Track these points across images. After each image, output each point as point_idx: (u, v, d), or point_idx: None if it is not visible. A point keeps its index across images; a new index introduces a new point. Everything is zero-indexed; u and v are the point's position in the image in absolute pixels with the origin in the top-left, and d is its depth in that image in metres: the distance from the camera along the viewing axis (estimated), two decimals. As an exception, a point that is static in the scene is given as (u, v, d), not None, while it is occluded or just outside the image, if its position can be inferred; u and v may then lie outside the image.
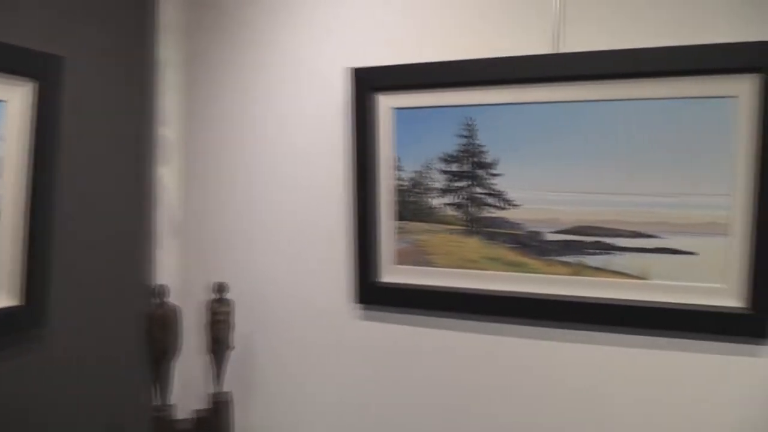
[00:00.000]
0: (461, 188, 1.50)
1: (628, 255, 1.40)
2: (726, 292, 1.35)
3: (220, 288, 1.60)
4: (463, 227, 1.51)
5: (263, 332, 1.74)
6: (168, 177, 1.82)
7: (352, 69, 1.55)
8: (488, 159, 1.47)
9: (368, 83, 1.53)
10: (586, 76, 1.39)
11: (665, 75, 1.34)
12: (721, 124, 1.31)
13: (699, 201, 1.35)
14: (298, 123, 1.68)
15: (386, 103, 1.53)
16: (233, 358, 1.68)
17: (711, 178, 1.33)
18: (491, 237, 1.49)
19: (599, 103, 1.39)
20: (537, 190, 1.45)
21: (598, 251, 1.42)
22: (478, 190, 1.49)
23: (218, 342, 1.58)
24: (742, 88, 1.30)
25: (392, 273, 1.56)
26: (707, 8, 1.35)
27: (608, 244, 1.42)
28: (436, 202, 1.52)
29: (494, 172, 1.47)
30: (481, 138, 1.47)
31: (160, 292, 1.54)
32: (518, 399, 1.53)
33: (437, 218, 1.52)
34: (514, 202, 1.46)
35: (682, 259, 1.37)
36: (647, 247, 1.39)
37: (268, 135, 1.71)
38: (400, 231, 1.55)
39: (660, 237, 1.38)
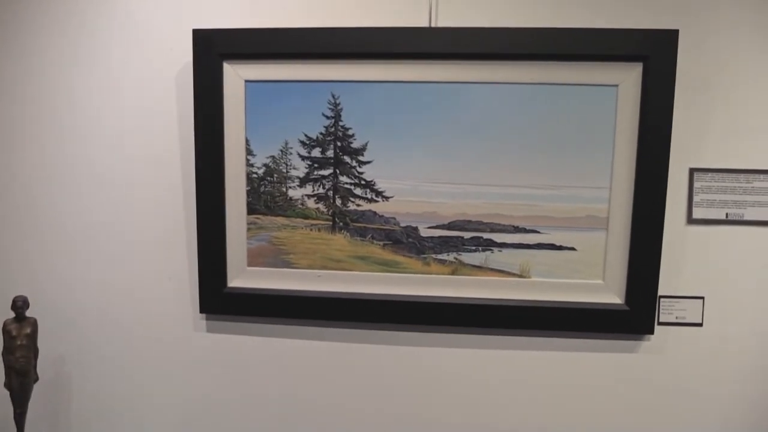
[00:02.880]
0: (325, 177, 1.28)
1: (507, 251, 1.28)
2: (605, 289, 1.27)
3: (19, 303, 1.23)
4: (328, 222, 1.29)
5: (79, 356, 1.39)
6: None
7: (193, 31, 1.25)
8: (355, 144, 1.27)
9: (213, 48, 1.27)
10: (463, 55, 1.24)
11: (546, 58, 1.23)
12: (602, 114, 1.22)
13: (579, 193, 1.26)
14: (122, 102, 1.34)
15: (236, 74, 1.27)
16: (38, 392, 1.29)
17: (592, 170, 1.25)
18: (360, 233, 1.29)
19: (478, 85, 1.25)
20: (411, 180, 1.27)
21: (476, 248, 1.28)
22: (345, 179, 1.28)
23: (18, 373, 1.22)
24: (623, 77, 1.22)
25: (243, 277, 1.30)
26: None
27: (488, 240, 1.28)
28: (296, 192, 1.29)
29: (362, 159, 1.27)
30: (348, 119, 1.27)
31: None
32: (391, 409, 1.39)
33: (297, 212, 1.29)
34: (386, 194, 1.27)
35: (562, 254, 1.27)
36: (527, 242, 1.28)
37: (81, 118, 1.36)
38: (253, 227, 1.29)
39: (540, 232, 1.27)
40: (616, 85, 1.25)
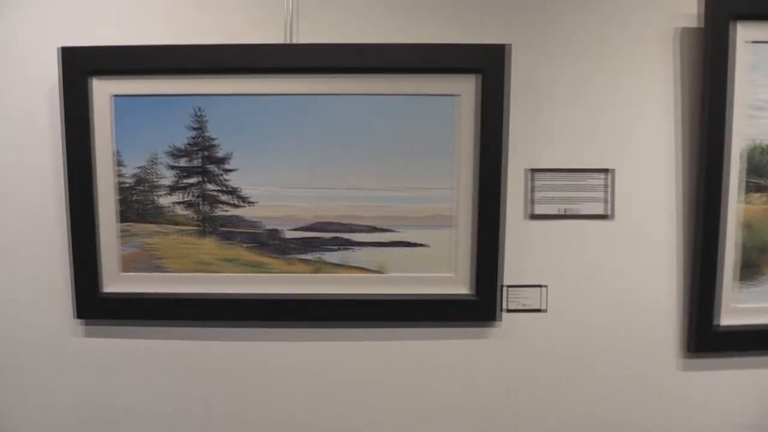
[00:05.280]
0: (192, 185, 1.39)
1: (365, 249, 1.40)
2: (455, 281, 1.41)
3: None
4: (196, 227, 1.40)
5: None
6: None
7: (59, 49, 1.35)
8: (220, 153, 1.38)
9: (81, 66, 1.35)
10: (319, 69, 1.36)
11: (396, 71, 1.37)
12: (446, 121, 1.37)
13: (428, 195, 1.39)
14: None
15: (103, 89, 1.36)
16: None
17: (438, 172, 1.38)
18: (227, 237, 1.40)
19: (334, 96, 1.37)
20: (274, 185, 1.39)
21: (336, 247, 1.40)
22: (211, 186, 1.39)
23: None
24: (463, 88, 1.36)
25: (117, 282, 1.40)
26: (437, 11, 1.43)
27: (346, 240, 1.41)
28: (165, 200, 1.39)
29: (227, 167, 1.39)
30: (212, 130, 1.38)
31: None
32: (264, 402, 1.51)
33: (167, 218, 1.39)
34: (250, 199, 1.39)
35: (415, 251, 1.40)
36: (383, 241, 1.40)
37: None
38: (125, 234, 1.39)
39: (394, 230, 1.40)
40: (457, 95, 1.39)
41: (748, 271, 1.46)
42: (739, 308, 1.46)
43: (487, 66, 1.37)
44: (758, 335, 1.47)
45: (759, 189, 1.44)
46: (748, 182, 1.44)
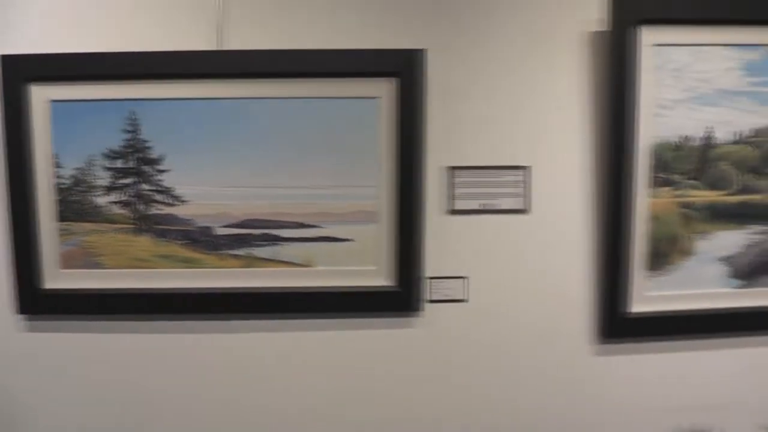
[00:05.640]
0: (127, 185, 1.47)
1: (293, 245, 1.49)
2: (379, 274, 1.50)
3: None
4: (132, 225, 1.48)
5: None
6: None
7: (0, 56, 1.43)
8: (154, 155, 1.47)
9: (20, 73, 1.44)
10: (248, 74, 1.45)
11: (320, 76, 1.45)
12: (368, 122, 1.47)
13: (353, 192, 1.48)
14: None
15: (41, 95, 1.45)
16: None
17: (361, 171, 1.47)
18: (162, 234, 1.49)
19: (262, 100, 1.46)
20: (206, 185, 1.47)
21: (265, 243, 1.49)
22: (145, 186, 1.47)
23: None
24: (383, 90, 1.45)
25: (57, 278, 1.49)
26: (358, 18, 1.51)
27: (275, 236, 1.49)
28: (102, 200, 1.47)
29: (161, 168, 1.47)
30: (146, 133, 1.46)
31: None
32: (203, 393, 1.59)
33: (104, 217, 1.48)
34: (183, 198, 1.47)
35: (341, 246, 1.49)
36: (310, 236, 1.49)
37: None
38: (64, 233, 1.48)
39: (321, 226, 1.49)
40: (378, 98, 1.48)
41: (657, 260, 1.56)
42: (649, 296, 1.56)
43: (404, 70, 1.46)
44: (667, 321, 1.57)
45: (665, 183, 1.54)
46: (655, 177, 1.53)
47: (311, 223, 1.50)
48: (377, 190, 1.48)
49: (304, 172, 1.47)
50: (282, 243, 1.50)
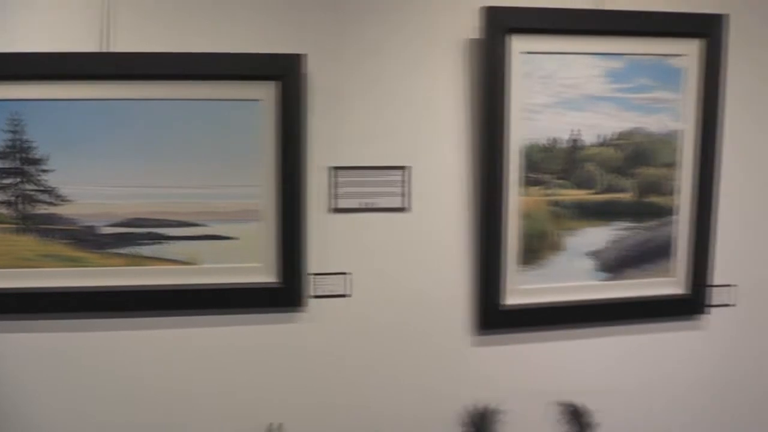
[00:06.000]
0: (10, 185, 1.49)
1: (178, 243, 1.53)
2: (263, 271, 1.56)
3: None
4: (16, 225, 1.50)
5: None
6: None
7: None
8: (38, 155, 1.49)
9: None
10: (133, 76, 1.49)
11: (203, 78, 1.50)
12: (250, 124, 1.54)
13: (236, 191, 1.53)
14: None
15: None
16: None
17: (245, 171, 1.53)
18: (46, 234, 1.51)
19: (147, 101, 1.50)
20: (90, 185, 1.50)
21: (150, 241, 1.53)
22: (29, 186, 1.49)
23: None
24: (265, 93, 1.50)
25: (-61, 278, 1.49)
26: (242, 23, 1.56)
27: (160, 234, 1.53)
28: (-16, 200, 1.48)
29: (45, 168, 1.49)
30: (30, 133, 1.48)
31: None
32: (88, 392, 1.61)
33: (-14, 217, 1.49)
34: (68, 198, 1.50)
35: (225, 243, 1.54)
36: (194, 234, 1.54)
37: None
38: (-54, 233, 1.48)
39: (205, 225, 1.54)
40: (260, 100, 1.53)
41: (529, 256, 1.66)
42: (522, 289, 1.66)
43: (286, 74, 1.52)
44: (539, 312, 1.67)
45: (536, 183, 1.64)
46: (526, 177, 1.63)
47: (196, 222, 1.54)
48: (261, 190, 1.54)
49: (189, 171, 1.52)
50: (167, 241, 1.54)
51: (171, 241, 1.54)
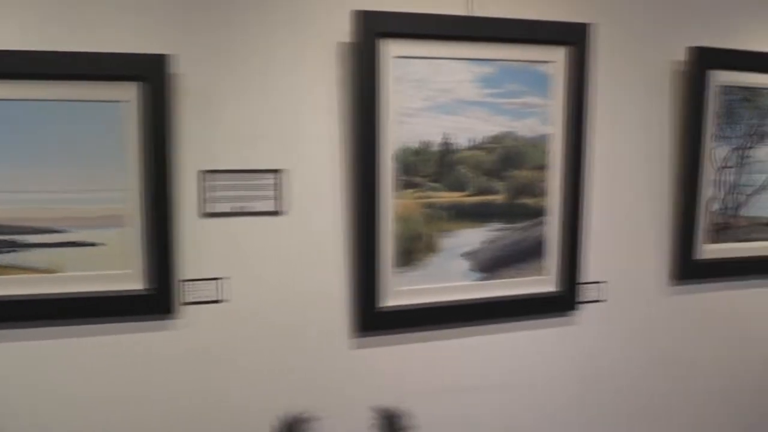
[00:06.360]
0: None
1: (36, 251, 1.46)
2: (131, 277, 1.50)
3: None
4: None
5: None
6: None
7: None
8: None
9: None
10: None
11: (62, 78, 1.43)
12: (114, 125, 1.49)
13: (100, 196, 1.47)
14: None
15: None
16: None
17: (109, 175, 1.47)
18: None
19: (3, 102, 1.40)
20: (-62, 190, 1.40)
21: (5, 249, 1.44)
22: None
23: None
24: (129, 94, 1.45)
25: None
26: (104, 21, 1.50)
27: (15, 242, 1.45)
28: None
29: None
30: None
31: None
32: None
33: None
34: None
35: (91, 250, 1.48)
36: (55, 241, 1.47)
37: None
38: None
39: (67, 231, 1.47)
40: (124, 101, 1.48)
41: (406, 258, 1.68)
42: (400, 291, 1.68)
43: (149, 74, 1.47)
44: (417, 313, 1.70)
45: (410, 186, 1.66)
46: (401, 180, 1.65)
47: (56, 228, 1.48)
48: (126, 194, 1.50)
49: (49, 176, 1.46)
50: (25, 249, 1.47)
51: (30, 249, 1.47)
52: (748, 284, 2.04)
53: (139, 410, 1.59)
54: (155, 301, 1.54)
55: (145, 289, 1.53)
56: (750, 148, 1.98)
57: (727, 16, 1.93)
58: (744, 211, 2.00)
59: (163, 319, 1.57)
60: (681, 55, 1.87)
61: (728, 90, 1.90)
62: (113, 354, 1.56)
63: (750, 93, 1.94)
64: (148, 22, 1.50)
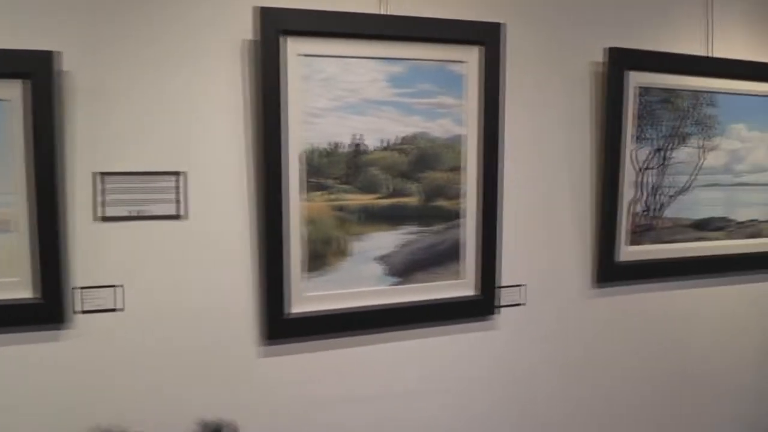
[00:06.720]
0: None
1: None
2: (19, 285, 1.41)
3: None
4: None
5: None
6: None
7: None
8: None
9: None
10: None
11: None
12: None
13: (-14, 199, 1.37)
14: None
15: None
16: None
17: (-5, 177, 1.37)
18: None
19: None
20: None
21: None
22: None
23: None
24: (12, 93, 1.37)
25: None
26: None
27: None
28: None
29: None
30: None
31: None
32: None
33: None
34: None
35: (-27, 257, 1.38)
36: (-67, 248, 1.36)
37: None
38: None
39: (-54, 237, 1.37)
40: (6, 100, 1.39)
41: (315, 262, 1.62)
42: (309, 296, 1.62)
43: (34, 71, 1.40)
44: (328, 319, 1.64)
45: (319, 188, 1.60)
46: (309, 182, 1.59)
47: (-66, 234, 1.38)
48: (11, 198, 1.41)
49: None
50: None
51: None
52: (669, 285, 2.04)
53: (29, 426, 1.49)
54: (45, 309, 1.46)
55: (34, 298, 1.45)
56: (672, 149, 1.98)
57: (646, 18, 1.93)
58: (668, 213, 1.99)
59: (55, 329, 1.49)
60: (599, 56, 1.85)
61: (648, 91, 1.89)
62: (1, 366, 1.46)
63: (670, 95, 1.93)
64: (33, 16, 1.42)
